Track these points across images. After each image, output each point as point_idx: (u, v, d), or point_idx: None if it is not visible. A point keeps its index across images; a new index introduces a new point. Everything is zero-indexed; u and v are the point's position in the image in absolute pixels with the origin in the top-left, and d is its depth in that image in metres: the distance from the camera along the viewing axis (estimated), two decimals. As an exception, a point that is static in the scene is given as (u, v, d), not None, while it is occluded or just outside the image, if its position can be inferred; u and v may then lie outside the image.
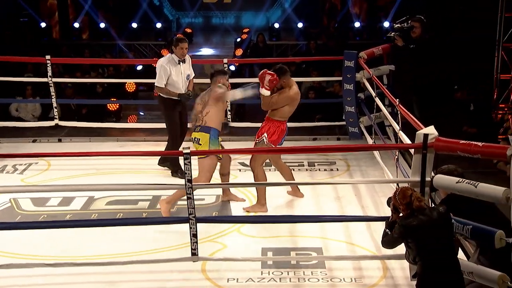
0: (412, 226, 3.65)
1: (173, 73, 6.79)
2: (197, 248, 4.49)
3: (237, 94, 6.05)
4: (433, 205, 4.06)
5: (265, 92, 5.86)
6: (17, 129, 8.56)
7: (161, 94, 6.86)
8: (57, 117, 8.26)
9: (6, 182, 6.67)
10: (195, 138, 5.79)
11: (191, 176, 4.37)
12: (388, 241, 3.87)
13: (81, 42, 15.09)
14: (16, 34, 14.81)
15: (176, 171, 6.95)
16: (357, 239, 5.40)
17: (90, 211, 6.01)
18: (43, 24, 15.84)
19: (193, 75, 7.12)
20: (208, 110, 5.80)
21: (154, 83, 11.60)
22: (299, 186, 6.41)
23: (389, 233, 3.84)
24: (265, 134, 5.95)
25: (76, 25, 16.01)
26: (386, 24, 14.09)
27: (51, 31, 16.18)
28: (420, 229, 3.64)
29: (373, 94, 6.97)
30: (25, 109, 9.92)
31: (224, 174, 6.17)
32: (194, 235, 4.44)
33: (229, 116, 8.33)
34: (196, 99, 6.10)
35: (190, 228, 4.43)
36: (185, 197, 4.42)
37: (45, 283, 4.63)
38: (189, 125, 6.93)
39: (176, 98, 6.81)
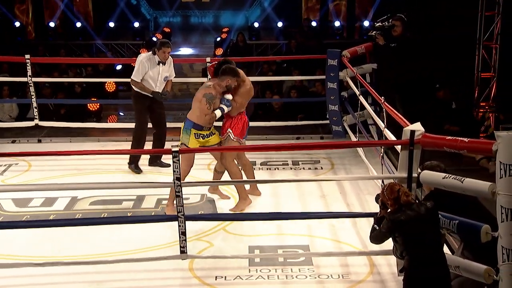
0: (400, 220, 3.75)
1: (150, 72, 6.90)
2: (186, 246, 4.54)
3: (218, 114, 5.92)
4: (420, 201, 4.16)
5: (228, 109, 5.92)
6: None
7: (135, 88, 6.97)
8: (37, 117, 8.23)
9: (-14, 184, 6.66)
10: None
11: (179, 174, 4.42)
12: (376, 236, 3.97)
13: (57, 42, 15.03)
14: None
15: (132, 162, 7.08)
16: (343, 236, 5.50)
17: (74, 211, 6.03)
18: (17, 24, 15.74)
19: (173, 76, 7.20)
20: (193, 104, 5.83)
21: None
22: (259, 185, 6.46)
23: (377, 228, 3.93)
24: (230, 130, 6.01)
25: (52, 24, 15.94)
26: (366, 23, 14.28)
27: (26, 30, 16.08)
28: (408, 224, 3.74)
29: (357, 92, 7.09)
30: (1, 110, 9.87)
31: (219, 172, 6.21)
32: (183, 233, 4.49)
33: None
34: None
35: (179, 226, 4.48)
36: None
37: (32, 283, 4.65)
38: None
39: (149, 94, 6.92)
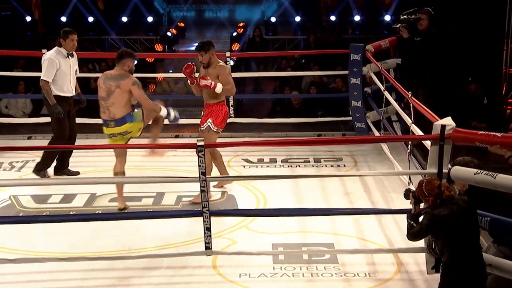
0: (443, 215, 3.78)
1: (62, 66, 6.71)
2: (210, 242, 4.63)
3: (164, 112, 5.98)
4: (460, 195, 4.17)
5: (219, 87, 6.02)
6: (10, 126, 8.65)
7: (43, 90, 6.66)
8: (52, 113, 8.30)
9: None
10: (120, 133, 5.84)
11: (205, 169, 4.51)
12: (416, 233, 3.98)
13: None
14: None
15: (41, 170, 6.81)
16: (369, 234, 5.56)
17: (93, 208, 6.14)
18: (28, 18, 15.90)
19: (78, 71, 7.04)
20: (114, 100, 5.73)
21: (148, 78, 11.79)
22: None
23: (414, 225, 3.97)
24: (210, 120, 6.11)
25: (63, 19, 16.08)
26: (388, 17, 14.29)
27: (37, 25, 16.23)
28: (451, 219, 3.77)
29: (382, 88, 7.13)
30: (15, 106, 10.00)
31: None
32: (208, 229, 4.58)
33: (231, 113, 8.46)
34: (98, 82, 5.87)
35: (204, 221, 4.56)
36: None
37: (54, 278, 4.75)
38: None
39: (53, 101, 6.61)
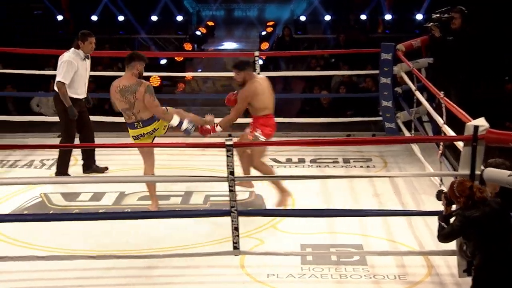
0: (475, 217, 3.74)
1: (80, 69, 6.68)
2: (238, 242, 4.63)
3: (175, 122, 5.87)
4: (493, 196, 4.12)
5: (218, 129, 6.07)
6: (42, 125, 8.75)
7: (59, 92, 6.63)
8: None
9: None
10: (147, 132, 5.81)
11: (233, 168, 4.51)
12: (447, 234, 3.94)
13: (99, 36, 15.28)
14: (29, 27, 15.05)
15: (61, 172, 6.79)
16: (398, 236, 5.50)
17: (122, 206, 6.19)
18: (59, 17, 16.12)
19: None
20: (139, 107, 5.69)
21: (178, 77, 11.86)
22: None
23: (446, 226, 3.93)
24: (259, 130, 6.04)
25: (94, 18, 16.25)
26: (419, 16, 14.15)
27: (68, 24, 16.43)
28: (483, 220, 3.73)
29: (413, 88, 7.06)
30: (46, 105, 10.14)
31: None
32: (236, 229, 4.58)
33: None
34: (112, 93, 5.80)
35: (232, 221, 4.56)
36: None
37: (85, 276, 4.80)
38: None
39: (68, 103, 6.59)
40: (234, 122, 6.19)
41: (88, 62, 6.84)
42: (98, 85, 10.50)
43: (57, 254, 5.02)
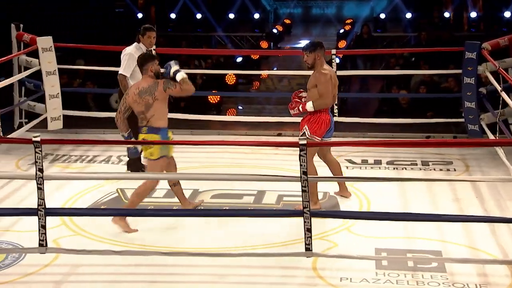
0: None
1: None
2: (311, 244, 4.56)
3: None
4: None
5: (309, 105, 5.85)
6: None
7: (120, 85, 6.71)
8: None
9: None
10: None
11: (306, 169, 4.46)
12: None
13: (177, 34, 15.58)
14: (111, 25, 15.50)
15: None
16: (480, 243, 5.29)
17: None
18: (140, 15, 16.52)
19: None
20: (155, 109, 5.54)
21: (253, 75, 11.92)
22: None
23: None
24: (306, 127, 5.89)
25: (173, 15, 16.55)
26: (508, 14, 13.64)
27: (148, 22, 16.79)
28: None
29: (499, 88, 6.80)
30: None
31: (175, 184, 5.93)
32: (308, 230, 4.51)
33: (335, 112, 8.37)
34: (130, 96, 5.62)
35: (305, 222, 4.50)
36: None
37: (154, 272, 4.85)
38: None
39: None
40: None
41: None
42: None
43: (131, 249, 5.11)
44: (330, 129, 5.98)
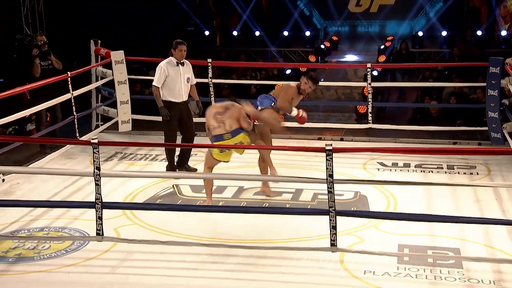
0: None
1: (171, 74, 6.55)
2: (336, 240, 4.38)
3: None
4: None
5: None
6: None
7: (154, 94, 6.63)
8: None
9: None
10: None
11: (332, 171, 4.28)
12: None
13: (238, 49, 15.56)
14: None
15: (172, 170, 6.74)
16: (497, 243, 4.99)
17: (239, 199, 6.13)
18: (207, 33, 16.60)
19: (194, 80, 6.81)
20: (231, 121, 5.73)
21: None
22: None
23: None
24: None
25: (235, 33, 16.55)
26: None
27: (214, 39, 16.88)
28: None
29: (519, 100, 6.42)
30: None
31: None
32: (333, 227, 4.34)
33: (369, 119, 8.10)
34: (212, 113, 5.77)
35: (330, 220, 4.33)
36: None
37: (197, 260, 4.77)
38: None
39: (160, 104, 6.57)
40: None
41: (182, 68, 6.69)
42: (232, 91, 10.64)
43: (175, 240, 5.03)
44: None
